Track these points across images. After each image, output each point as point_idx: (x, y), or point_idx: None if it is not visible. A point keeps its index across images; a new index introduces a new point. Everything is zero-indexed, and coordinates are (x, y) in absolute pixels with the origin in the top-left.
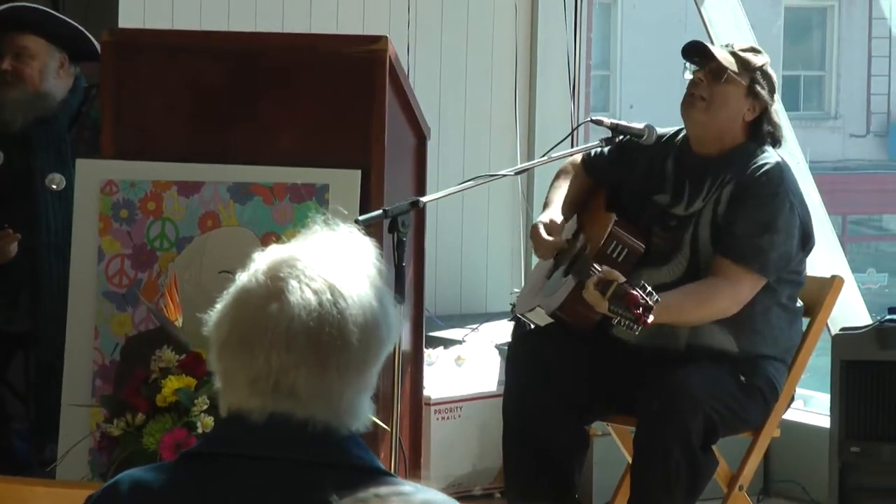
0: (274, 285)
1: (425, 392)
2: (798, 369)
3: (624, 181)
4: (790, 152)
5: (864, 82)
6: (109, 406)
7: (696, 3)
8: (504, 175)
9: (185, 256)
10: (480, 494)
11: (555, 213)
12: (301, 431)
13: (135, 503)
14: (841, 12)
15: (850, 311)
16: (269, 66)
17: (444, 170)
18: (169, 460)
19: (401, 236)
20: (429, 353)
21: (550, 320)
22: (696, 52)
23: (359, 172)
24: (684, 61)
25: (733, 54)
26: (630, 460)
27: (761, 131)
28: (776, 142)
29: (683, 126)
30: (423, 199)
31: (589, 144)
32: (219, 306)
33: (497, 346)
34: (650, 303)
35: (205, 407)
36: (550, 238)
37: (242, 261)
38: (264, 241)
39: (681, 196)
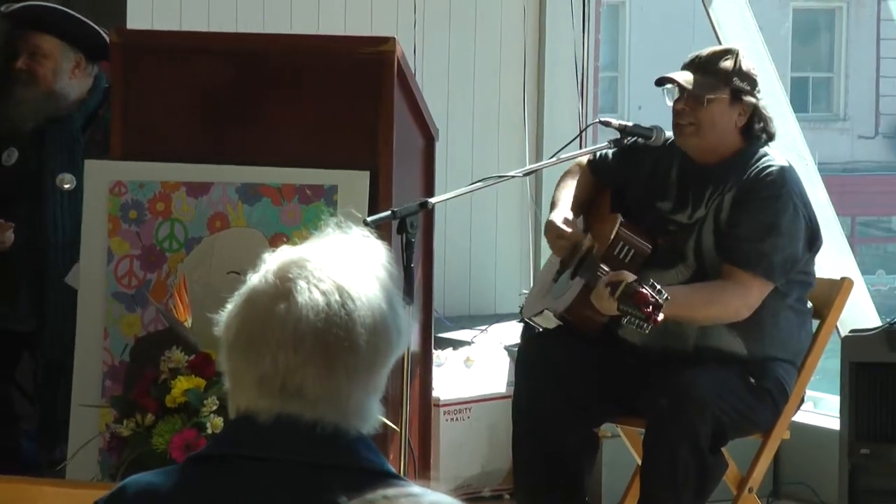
0: (282, 286)
1: (434, 393)
2: (808, 371)
3: (629, 183)
4: (799, 154)
5: (872, 84)
6: (119, 406)
7: (703, 5)
8: (512, 176)
9: (193, 257)
10: (489, 496)
11: (566, 211)
12: (309, 433)
13: None
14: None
15: (859, 312)
16: (277, 67)
17: (452, 171)
18: (176, 463)
19: (409, 237)
20: (438, 355)
21: (558, 323)
22: (669, 82)
23: (367, 174)
24: (662, 88)
25: (704, 66)
26: (639, 462)
27: (754, 130)
28: (770, 136)
29: None
30: (432, 200)
31: (597, 146)
32: (228, 307)
33: (506, 348)
34: (660, 301)
35: (214, 408)
36: (569, 230)
37: (251, 261)
38: (273, 242)
39: (684, 204)
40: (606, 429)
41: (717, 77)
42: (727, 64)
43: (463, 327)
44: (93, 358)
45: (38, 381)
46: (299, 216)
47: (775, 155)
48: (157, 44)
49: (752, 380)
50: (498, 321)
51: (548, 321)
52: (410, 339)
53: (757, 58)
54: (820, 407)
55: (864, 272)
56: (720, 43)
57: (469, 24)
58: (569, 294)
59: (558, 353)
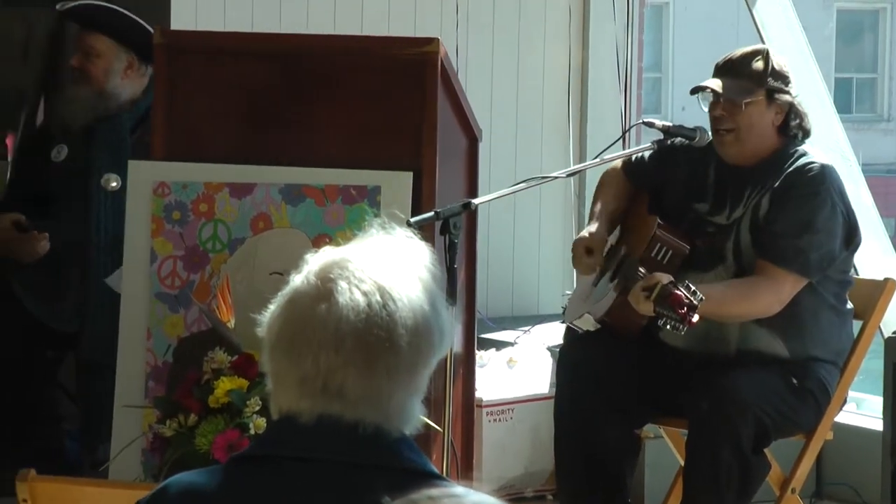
0: (324, 286)
1: (477, 394)
2: (850, 372)
3: (666, 185)
4: (842, 155)
5: None
6: (162, 407)
7: (747, 6)
8: (556, 177)
9: (237, 258)
10: (532, 496)
11: (596, 228)
12: (351, 433)
13: None
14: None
15: None
16: (320, 68)
17: (495, 171)
18: (219, 463)
19: (453, 238)
20: (480, 356)
21: (598, 326)
22: (704, 90)
23: (411, 174)
24: (696, 95)
25: (736, 70)
26: (682, 463)
27: (790, 127)
28: (806, 133)
29: None
30: (475, 200)
31: (640, 147)
32: (271, 307)
33: (549, 349)
34: (695, 302)
35: (257, 408)
36: (589, 260)
37: (294, 262)
38: (316, 243)
39: (722, 206)
40: (649, 430)
41: (752, 79)
42: (759, 65)
43: (506, 328)
44: (136, 358)
45: (81, 381)
46: (343, 217)
47: (815, 153)
48: (201, 44)
49: (795, 380)
50: (541, 322)
51: (589, 324)
52: (453, 340)
53: (800, 58)
54: (863, 408)
55: None
56: (764, 44)
57: (513, 24)
58: (608, 297)
59: (599, 355)
